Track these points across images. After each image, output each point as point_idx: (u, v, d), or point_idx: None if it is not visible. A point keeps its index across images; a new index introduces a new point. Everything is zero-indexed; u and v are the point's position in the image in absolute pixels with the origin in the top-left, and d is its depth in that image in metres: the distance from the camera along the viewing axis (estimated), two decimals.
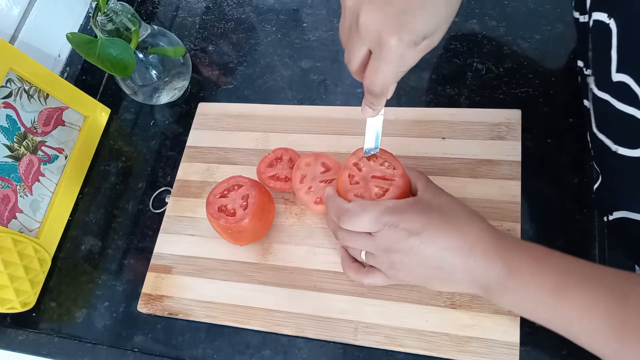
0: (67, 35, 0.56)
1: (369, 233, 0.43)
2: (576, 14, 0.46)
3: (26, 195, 0.60)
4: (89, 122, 0.68)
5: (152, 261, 0.58)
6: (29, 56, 0.59)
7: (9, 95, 0.57)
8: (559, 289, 0.37)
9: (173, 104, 0.69)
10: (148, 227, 0.62)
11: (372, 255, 0.44)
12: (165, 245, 0.58)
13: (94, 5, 0.58)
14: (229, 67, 0.70)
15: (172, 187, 0.62)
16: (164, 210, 0.61)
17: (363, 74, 0.38)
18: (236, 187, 0.53)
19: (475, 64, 0.60)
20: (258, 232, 0.54)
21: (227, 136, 0.63)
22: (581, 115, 0.52)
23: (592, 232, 0.49)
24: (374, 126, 0.45)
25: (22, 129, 0.59)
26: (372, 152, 0.47)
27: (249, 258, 0.55)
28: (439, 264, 0.41)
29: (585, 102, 0.48)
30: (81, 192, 0.67)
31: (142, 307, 0.56)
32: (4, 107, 0.57)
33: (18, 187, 0.59)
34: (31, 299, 0.58)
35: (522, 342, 0.45)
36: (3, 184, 0.57)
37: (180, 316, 0.54)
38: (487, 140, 0.54)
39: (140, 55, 0.62)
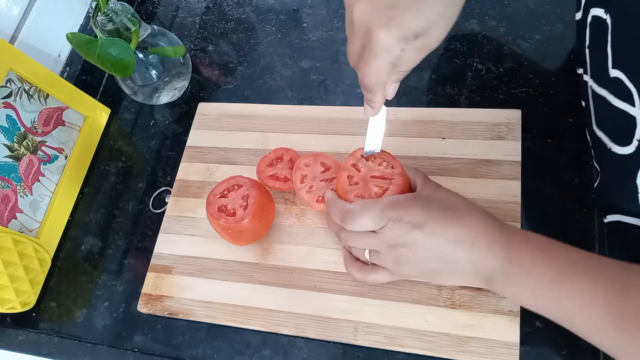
0: (67, 35, 0.56)
1: (373, 231, 0.43)
2: (578, 16, 0.47)
3: (26, 195, 0.60)
4: (89, 122, 0.68)
5: (152, 261, 0.58)
6: (29, 56, 0.59)
7: (9, 95, 0.57)
8: (559, 278, 0.37)
9: (173, 104, 0.69)
10: (148, 227, 0.62)
11: (376, 253, 0.44)
12: (165, 245, 0.58)
13: (94, 5, 0.58)
14: (229, 67, 0.70)
15: (172, 187, 0.62)
16: (164, 210, 0.61)
17: None
18: (236, 187, 0.53)
19: (475, 64, 0.60)
20: (258, 232, 0.54)
21: (227, 136, 0.63)
22: (581, 115, 0.52)
23: (592, 232, 0.49)
24: (375, 127, 0.45)
25: (22, 129, 0.59)
26: (373, 153, 0.47)
27: (249, 258, 0.55)
28: (443, 256, 0.41)
29: (584, 103, 0.48)
30: (81, 192, 0.67)
31: (142, 307, 0.56)
32: (4, 107, 0.57)
33: (18, 187, 0.59)
34: (31, 299, 0.58)
35: (522, 342, 0.45)
36: (3, 184, 0.57)
37: (180, 316, 0.54)
38: (487, 140, 0.54)
39: (140, 55, 0.62)
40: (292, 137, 0.60)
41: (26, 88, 0.59)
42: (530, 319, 0.47)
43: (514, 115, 0.54)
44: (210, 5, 0.76)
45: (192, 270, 0.56)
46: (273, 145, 0.60)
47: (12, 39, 0.64)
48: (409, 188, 0.47)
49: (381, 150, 0.48)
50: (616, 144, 0.38)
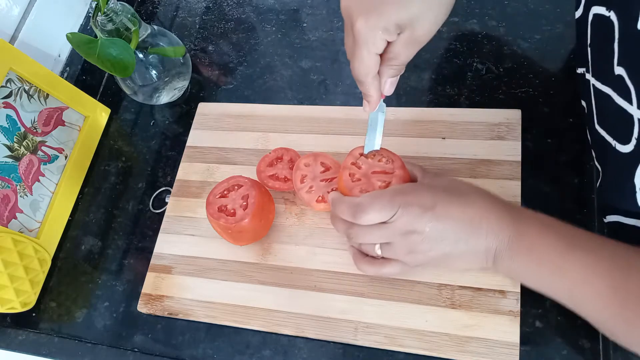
0: (67, 35, 0.56)
1: (383, 223, 0.42)
2: (577, 14, 0.47)
3: (26, 195, 0.60)
4: (89, 122, 0.68)
5: (152, 261, 0.58)
6: (29, 56, 0.59)
7: (9, 95, 0.57)
8: (563, 251, 0.38)
9: (173, 104, 0.69)
10: (148, 227, 0.62)
11: (388, 245, 0.43)
12: (165, 245, 0.58)
13: (94, 5, 0.58)
14: (229, 67, 0.70)
15: (172, 187, 0.62)
16: (164, 210, 0.61)
17: None
18: (236, 187, 0.53)
19: (475, 64, 0.60)
20: (258, 232, 0.54)
21: (227, 136, 0.63)
22: (581, 115, 0.52)
23: (592, 232, 0.49)
24: (375, 125, 0.46)
25: (22, 129, 0.59)
26: (372, 151, 0.48)
27: (249, 258, 0.55)
28: (455, 236, 0.41)
29: (584, 103, 0.48)
30: (81, 192, 0.67)
31: (142, 307, 0.56)
32: (4, 107, 0.57)
33: (18, 187, 0.59)
34: (31, 299, 0.58)
35: (522, 342, 0.45)
36: (3, 184, 0.57)
37: (180, 316, 0.54)
38: (487, 140, 0.54)
39: (140, 55, 0.62)
40: (292, 137, 0.60)
41: (26, 88, 0.59)
42: (530, 319, 0.47)
43: (514, 115, 0.54)
44: (210, 5, 0.76)
45: (192, 270, 0.56)
46: (273, 145, 0.60)
47: (12, 39, 0.64)
48: (410, 180, 0.47)
49: (380, 148, 0.48)
50: (618, 142, 0.38)
